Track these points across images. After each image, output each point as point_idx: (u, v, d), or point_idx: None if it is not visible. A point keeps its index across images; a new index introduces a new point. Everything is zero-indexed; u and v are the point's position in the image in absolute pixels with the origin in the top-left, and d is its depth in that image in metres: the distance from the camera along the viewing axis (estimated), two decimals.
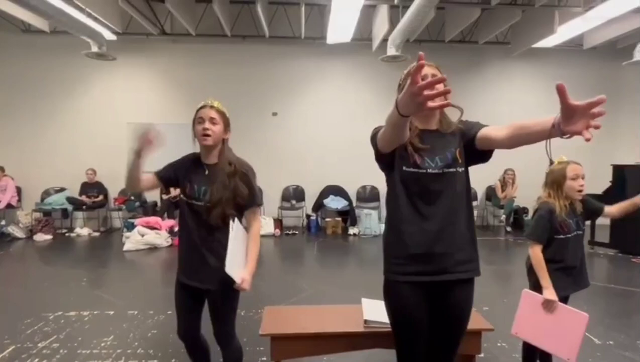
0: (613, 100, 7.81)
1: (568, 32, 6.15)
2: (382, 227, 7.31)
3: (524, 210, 7.18)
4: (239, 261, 1.78)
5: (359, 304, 2.34)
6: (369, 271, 5.13)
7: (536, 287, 2.09)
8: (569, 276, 2.06)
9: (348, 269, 5.27)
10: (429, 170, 1.40)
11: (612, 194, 5.62)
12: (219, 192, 1.75)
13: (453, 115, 1.47)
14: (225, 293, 1.80)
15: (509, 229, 7.15)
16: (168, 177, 1.86)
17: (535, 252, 2.03)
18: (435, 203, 1.41)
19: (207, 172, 1.80)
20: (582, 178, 2.05)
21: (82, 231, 6.73)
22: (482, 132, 1.35)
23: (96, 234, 6.78)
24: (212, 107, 1.78)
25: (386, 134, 1.26)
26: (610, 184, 5.75)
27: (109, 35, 6.24)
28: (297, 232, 7.01)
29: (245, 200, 1.81)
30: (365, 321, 2.03)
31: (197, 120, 1.78)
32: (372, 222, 6.86)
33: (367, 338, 2.02)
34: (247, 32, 7.09)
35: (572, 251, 2.05)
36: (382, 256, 1.53)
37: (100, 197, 7.06)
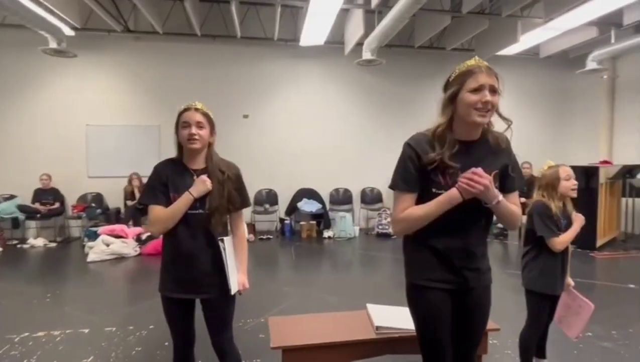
0: (567, 106, 8.38)
1: (530, 41, 6.52)
2: (357, 229, 7.28)
3: None
4: (234, 272, 1.80)
5: (361, 310, 2.32)
6: (351, 274, 5.17)
7: (529, 284, 2.19)
8: (563, 272, 2.18)
9: (330, 273, 5.25)
10: None
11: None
12: (216, 200, 1.72)
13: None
14: (229, 299, 1.78)
15: None
16: (166, 195, 1.71)
17: (558, 241, 2.07)
18: (464, 220, 1.42)
19: (195, 179, 1.72)
20: (574, 178, 2.18)
21: (37, 242, 6.19)
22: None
23: (52, 244, 6.26)
24: (196, 109, 1.71)
25: (429, 217, 1.38)
26: None
27: (67, 31, 5.80)
28: (271, 236, 6.87)
29: (237, 205, 1.82)
30: (377, 328, 2.01)
31: (182, 124, 1.70)
32: (347, 224, 6.88)
33: (379, 345, 2.00)
34: (217, 32, 6.87)
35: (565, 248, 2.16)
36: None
37: (57, 205, 6.54)
